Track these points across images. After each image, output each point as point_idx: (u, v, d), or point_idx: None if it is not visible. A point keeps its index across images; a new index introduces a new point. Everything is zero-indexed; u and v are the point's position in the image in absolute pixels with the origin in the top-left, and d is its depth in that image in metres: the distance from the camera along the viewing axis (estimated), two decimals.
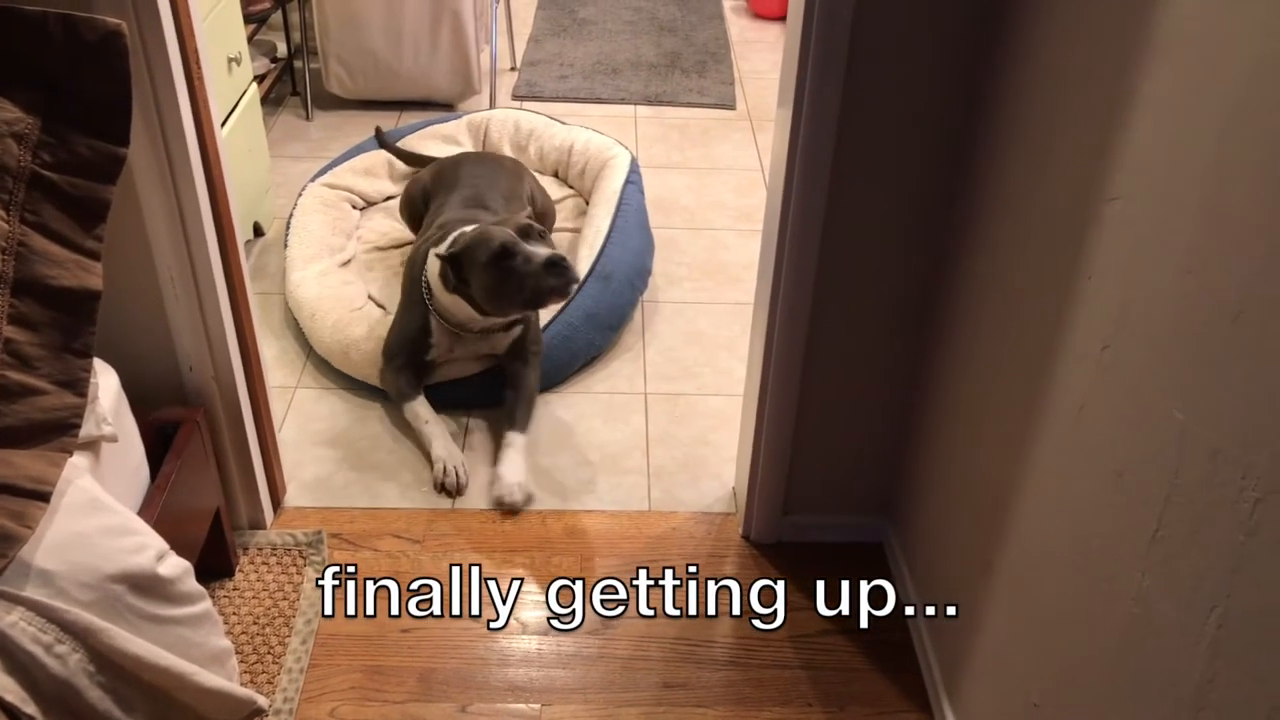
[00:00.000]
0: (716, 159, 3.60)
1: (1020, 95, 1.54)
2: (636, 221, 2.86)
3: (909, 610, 2.00)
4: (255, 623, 1.93)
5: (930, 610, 1.91)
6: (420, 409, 2.35)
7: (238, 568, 2.03)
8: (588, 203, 3.13)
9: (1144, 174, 1.20)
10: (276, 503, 2.18)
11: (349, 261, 2.82)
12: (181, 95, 1.66)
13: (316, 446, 2.37)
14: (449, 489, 2.24)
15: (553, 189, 3.18)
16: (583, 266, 2.66)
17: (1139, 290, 1.20)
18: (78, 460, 1.43)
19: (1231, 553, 1.02)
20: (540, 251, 2.14)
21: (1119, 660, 1.23)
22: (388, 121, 3.70)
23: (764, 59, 4.38)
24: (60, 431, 1.36)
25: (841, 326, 1.91)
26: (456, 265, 2.22)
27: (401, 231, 2.99)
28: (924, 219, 1.81)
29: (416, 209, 2.79)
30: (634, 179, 2.99)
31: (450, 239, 2.31)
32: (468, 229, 2.32)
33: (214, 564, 1.98)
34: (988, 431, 1.64)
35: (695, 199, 3.36)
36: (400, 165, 3.19)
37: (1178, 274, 1.12)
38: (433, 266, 2.30)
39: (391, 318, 2.50)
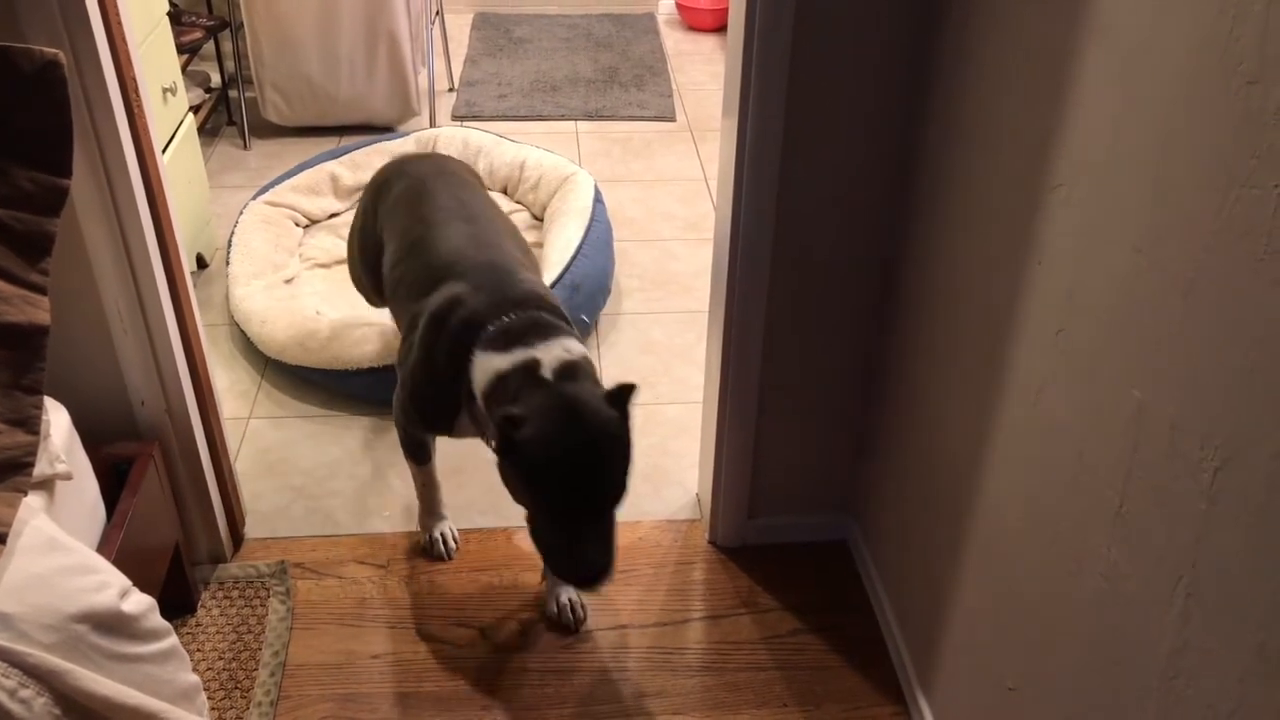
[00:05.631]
0: (660, 170, 3.62)
1: (963, 87, 1.57)
2: (605, 239, 2.88)
3: (878, 605, 2.02)
4: (221, 658, 1.89)
5: (899, 603, 1.92)
6: (424, 475, 2.07)
7: (200, 603, 1.99)
8: (537, 217, 3.13)
9: (1087, 158, 1.23)
10: (236, 535, 2.14)
11: (292, 279, 2.79)
12: (121, 124, 1.63)
13: (274, 476, 2.33)
14: (438, 556, 2.14)
15: (500, 204, 3.17)
16: (551, 274, 2.65)
17: (1089, 272, 1.23)
18: (32, 500, 1.39)
19: (1195, 522, 1.05)
20: (590, 547, 1.56)
21: (1090, 636, 1.25)
22: (327, 147, 3.67)
23: (701, 70, 4.42)
24: (13, 471, 1.32)
25: (798, 327, 1.93)
26: (510, 432, 1.56)
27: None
28: (874, 216, 1.83)
29: (368, 241, 2.19)
30: (600, 198, 3.01)
31: (509, 379, 1.64)
32: (562, 379, 1.63)
33: (175, 601, 1.94)
34: (947, 422, 1.67)
35: (642, 210, 3.37)
36: (346, 181, 3.17)
37: (1127, 253, 1.15)
38: (482, 375, 1.69)
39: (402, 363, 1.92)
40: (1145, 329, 1.12)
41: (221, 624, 1.95)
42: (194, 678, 1.50)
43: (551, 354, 1.66)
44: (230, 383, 2.59)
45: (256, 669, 1.87)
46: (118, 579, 1.38)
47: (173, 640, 1.46)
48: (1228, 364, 0.99)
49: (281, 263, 2.84)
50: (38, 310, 1.38)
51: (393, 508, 2.26)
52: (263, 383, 2.59)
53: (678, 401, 2.58)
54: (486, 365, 1.68)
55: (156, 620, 1.42)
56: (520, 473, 1.59)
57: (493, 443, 1.64)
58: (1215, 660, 1.03)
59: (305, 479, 2.32)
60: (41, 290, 1.39)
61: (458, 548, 2.16)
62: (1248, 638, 0.98)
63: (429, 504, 2.14)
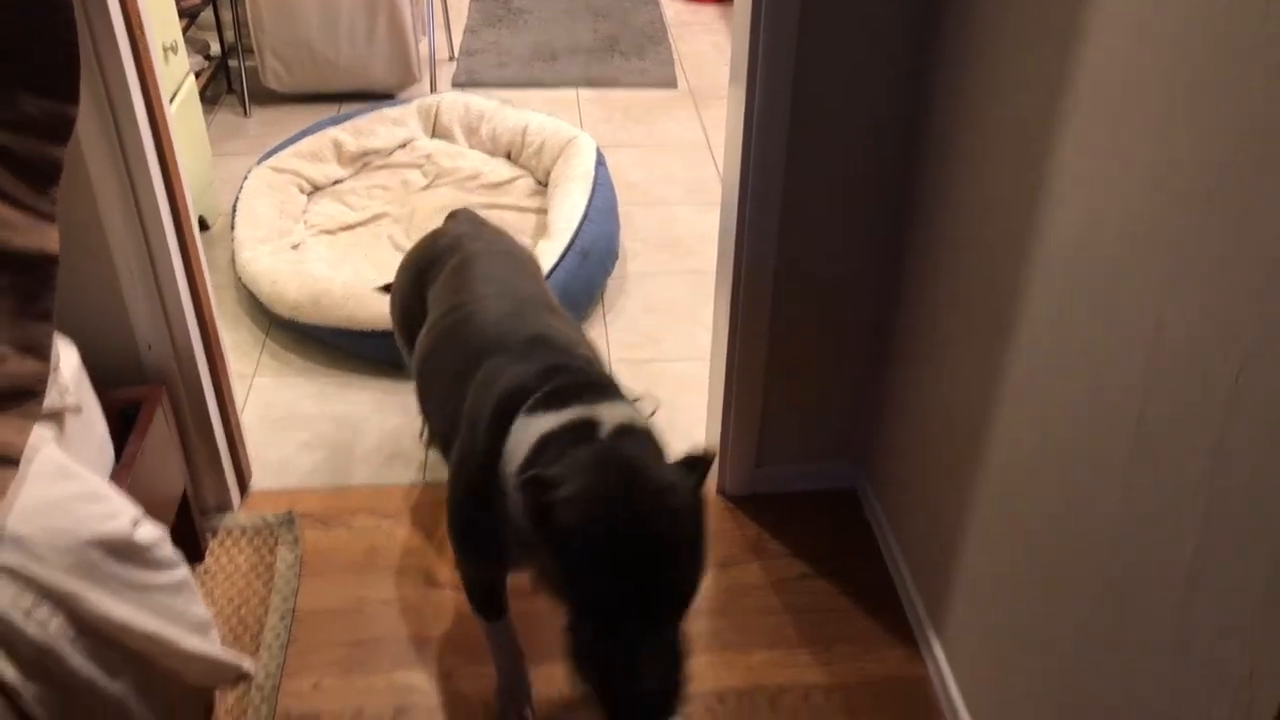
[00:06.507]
0: (662, 136, 3.61)
1: (972, 40, 1.56)
2: (610, 204, 2.87)
3: (887, 550, 2.02)
4: (230, 603, 1.88)
5: (909, 547, 1.92)
6: (498, 635, 1.69)
7: (208, 551, 1.98)
8: (541, 182, 3.12)
9: (1107, 78, 1.22)
10: (243, 485, 2.13)
11: (299, 245, 2.78)
12: (128, 63, 1.62)
13: (280, 431, 2.32)
14: None
15: (504, 170, 3.16)
16: (560, 241, 2.64)
17: (1108, 193, 1.22)
18: (43, 431, 1.39)
19: (1213, 432, 1.04)
20: (647, 666, 1.16)
21: (1107, 564, 1.24)
22: (327, 114, 3.65)
23: (701, 39, 4.40)
24: (24, 398, 1.31)
25: (806, 284, 1.92)
26: (541, 496, 1.19)
27: (353, 216, 2.96)
28: (883, 175, 1.82)
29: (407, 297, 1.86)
30: (602, 161, 3.00)
31: (555, 442, 1.29)
32: (605, 438, 1.28)
33: (183, 549, 1.91)
34: (959, 363, 1.66)
35: (645, 174, 3.36)
36: (349, 147, 3.16)
37: (1146, 164, 1.14)
38: (523, 444, 1.33)
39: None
40: (1166, 240, 1.11)
41: (230, 571, 1.94)
42: (206, 612, 1.50)
43: (615, 413, 1.31)
44: (234, 343, 2.58)
45: (266, 614, 1.87)
46: (128, 508, 1.38)
47: (184, 571, 1.45)
48: (1249, 268, 0.98)
49: (287, 229, 2.83)
50: (46, 238, 1.37)
51: (403, 463, 2.25)
52: (267, 341, 2.59)
53: (684, 359, 2.58)
54: (530, 430, 1.31)
55: (168, 550, 1.42)
56: (555, 551, 1.19)
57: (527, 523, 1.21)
58: (1236, 576, 1.02)
59: (312, 433, 2.32)
60: (49, 218, 1.38)
61: None
62: (1268, 556, 0.97)
63: (507, 677, 1.71)
